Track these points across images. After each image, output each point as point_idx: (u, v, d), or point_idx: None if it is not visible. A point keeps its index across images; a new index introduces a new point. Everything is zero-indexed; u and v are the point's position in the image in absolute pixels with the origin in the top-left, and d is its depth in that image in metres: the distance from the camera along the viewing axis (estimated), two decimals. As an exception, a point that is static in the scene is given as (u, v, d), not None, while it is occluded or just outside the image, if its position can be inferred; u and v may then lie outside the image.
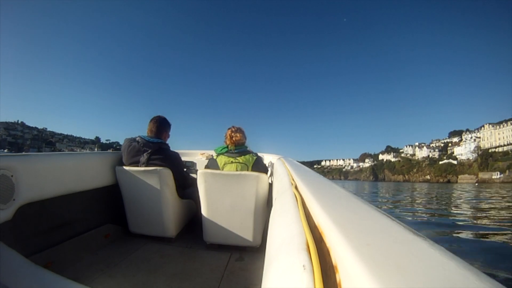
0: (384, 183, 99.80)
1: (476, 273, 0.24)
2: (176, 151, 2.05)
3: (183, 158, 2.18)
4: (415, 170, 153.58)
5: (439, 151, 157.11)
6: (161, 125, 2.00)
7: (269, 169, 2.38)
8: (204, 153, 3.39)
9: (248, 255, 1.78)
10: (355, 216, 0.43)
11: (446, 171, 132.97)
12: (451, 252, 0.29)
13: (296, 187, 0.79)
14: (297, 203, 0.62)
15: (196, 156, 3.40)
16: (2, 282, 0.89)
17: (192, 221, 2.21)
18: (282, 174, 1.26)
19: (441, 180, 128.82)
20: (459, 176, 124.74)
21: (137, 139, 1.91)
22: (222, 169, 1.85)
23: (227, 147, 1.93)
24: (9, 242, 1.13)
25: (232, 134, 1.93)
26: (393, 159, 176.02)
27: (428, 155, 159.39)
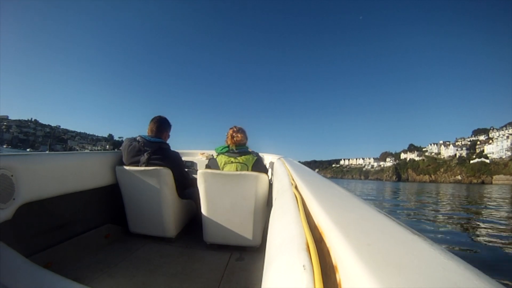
0: (409, 184, 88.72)
1: (476, 273, 0.24)
2: (176, 151, 2.03)
3: (183, 158, 2.20)
4: (442, 169, 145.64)
5: (466, 149, 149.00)
6: (161, 125, 2.00)
7: (269, 169, 2.41)
8: (204, 153, 3.31)
9: (248, 255, 1.77)
10: (355, 216, 0.43)
11: (480, 171, 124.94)
12: (451, 252, 0.29)
13: (296, 187, 0.79)
14: (297, 203, 0.62)
15: (196, 156, 3.34)
16: (2, 282, 0.89)
17: (192, 221, 2.19)
18: (282, 174, 1.26)
19: (474, 181, 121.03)
20: (494, 177, 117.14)
21: (137, 138, 1.90)
22: (222, 169, 1.84)
23: (228, 146, 1.91)
24: (9, 242, 1.12)
25: (234, 134, 1.91)
26: (417, 158, 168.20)
27: (455, 154, 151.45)
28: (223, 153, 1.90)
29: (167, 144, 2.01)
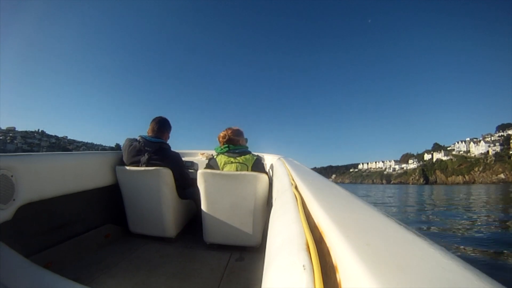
0: (444, 187, 79.93)
1: (476, 273, 0.24)
2: (176, 151, 2.02)
3: (183, 158, 2.17)
4: (477, 169, 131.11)
5: (500, 145, 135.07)
6: (162, 126, 1.99)
7: (269, 169, 2.37)
8: (204, 153, 3.27)
9: (248, 255, 1.76)
10: (355, 216, 0.43)
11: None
12: (451, 252, 0.29)
13: (296, 187, 0.79)
14: (297, 203, 0.62)
15: (196, 156, 3.31)
16: (2, 282, 0.88)
17: (192, 221, 2.18)
18: (282, 174, 1.26)
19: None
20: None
21: (138, 138, 1.90)
22: (222, 169, 1.83)
23: (228, 146, 1.90)
24: (9, 242, 1.11)
25: (223, 133, 1.92)
26: (444, 158, 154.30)
27: (487, 151, 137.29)
28: (223, 153, 1.89)
29: (168, 145, 2.00)
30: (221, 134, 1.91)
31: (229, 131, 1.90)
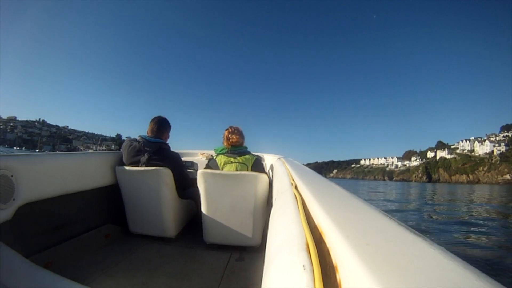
0: (446, 185, 77.01)
1: (476, 273, 0.24)
2: (176, 151, 2.03)
3: (183, 158, 2.19)
4: (481, 168, 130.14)
5: (505, 145, 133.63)
6: (161, 126, 1.99)
7: (269, 169, 2.38)
8: (204, 153, 3.25)
9: (248, 255, 1.76)
10: (355, 216, 0.43)
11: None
12: (451, 252, 0.29)
13: (296, 187, 0.79)
14: (297, 203, 0.62)
15: (196, 156, 3.29)
16: (2, 282, 0.88)
17: (192, 221, 2.19)
18: (282, 174, 1.26)
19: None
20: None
21: (137, 138, 1.90)
22: (222, 169, 1.83)
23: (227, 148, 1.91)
24: (9, 242, 1.11)
25: (229, 135, 1.91)
26: (448, 156, 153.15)
27: (492, 151, 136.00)
28: (222, 153, 1.89)
29: (167, 145, 2.00)
30: (233, 137, 1.88)
31: (235, 138, 1.89)
